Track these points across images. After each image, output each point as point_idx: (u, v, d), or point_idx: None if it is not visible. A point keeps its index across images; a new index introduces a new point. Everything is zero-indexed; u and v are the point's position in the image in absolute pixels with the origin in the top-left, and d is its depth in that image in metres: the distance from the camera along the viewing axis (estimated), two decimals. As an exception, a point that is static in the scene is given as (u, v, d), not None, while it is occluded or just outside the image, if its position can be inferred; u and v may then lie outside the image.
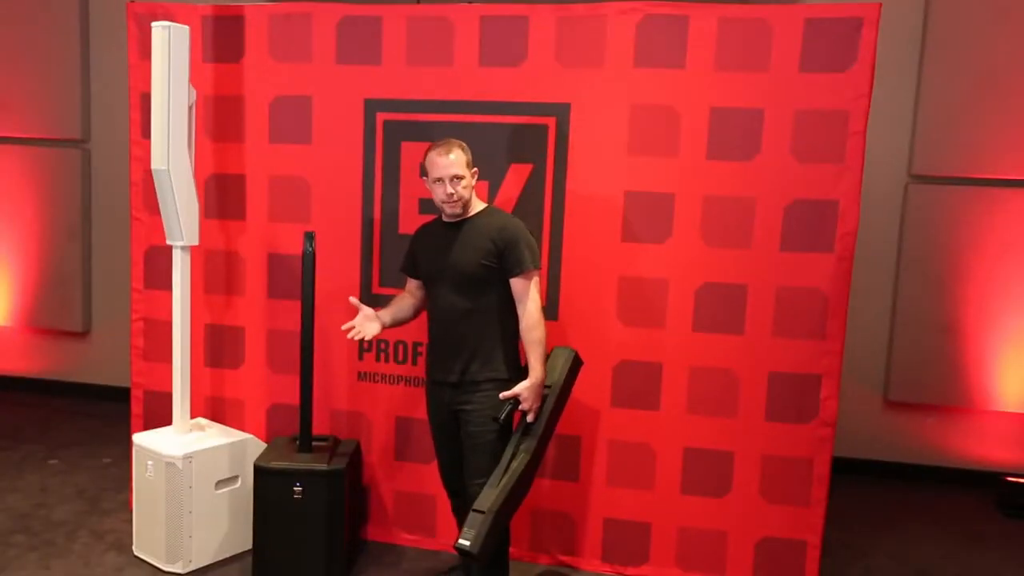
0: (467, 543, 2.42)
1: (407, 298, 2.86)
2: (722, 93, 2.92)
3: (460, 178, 2.59)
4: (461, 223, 2.68)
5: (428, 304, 2.79)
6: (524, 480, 2.59)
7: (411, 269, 2.86)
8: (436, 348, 2.75)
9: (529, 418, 2.61)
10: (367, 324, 2.71)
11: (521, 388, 2.58)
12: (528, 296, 2.61)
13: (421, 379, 3.22)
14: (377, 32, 3.15)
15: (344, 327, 2.72)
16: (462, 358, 2.65)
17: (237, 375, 3.43)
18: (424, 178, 2.69)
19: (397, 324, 2.83)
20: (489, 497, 2.49)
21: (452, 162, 2.58)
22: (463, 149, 2.63)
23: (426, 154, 2.66)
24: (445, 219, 2.71)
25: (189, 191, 3.05)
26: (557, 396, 2.66)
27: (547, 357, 2.70)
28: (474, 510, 2.49)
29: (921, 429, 4.36)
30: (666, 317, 3.04)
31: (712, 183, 2.96)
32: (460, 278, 2.64)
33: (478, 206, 2.71)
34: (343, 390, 3.33)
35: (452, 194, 2.59)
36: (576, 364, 2.75)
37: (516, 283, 2.62)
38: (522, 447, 2.59)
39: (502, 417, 2.59)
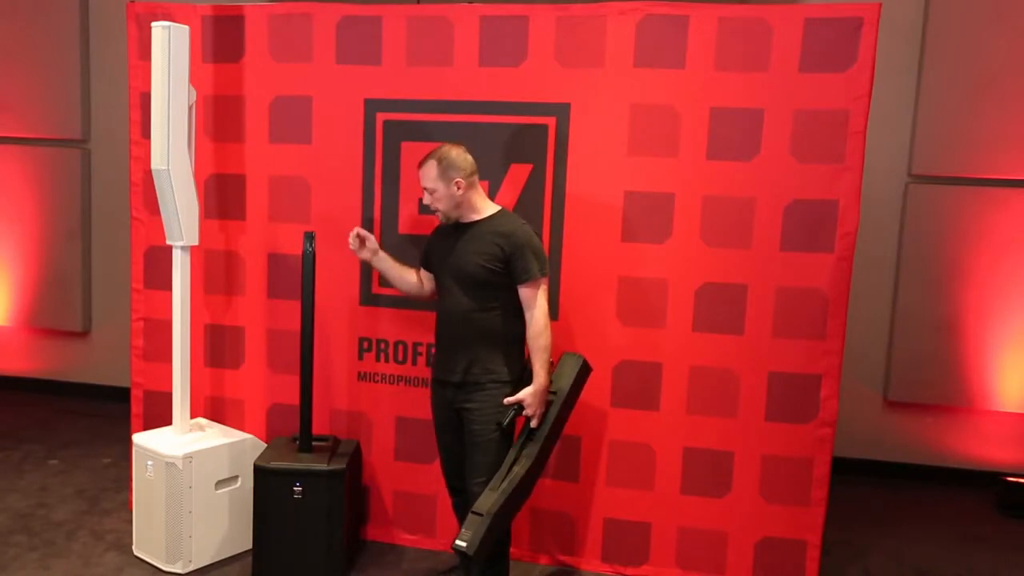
0: (463, 544, 2.44)
1: (416, 272, 2.94)
2: (722, 93, 2.92)
3: (431, 191, 2.67)
4: (471, 225, 2.70)
5: (436, 303, 2.82)
6: (525, 485, 2.59)
7: (424, 262, 2.92)
8: (441, 347, 2.77)
9: (533, 424, 2.62)
10: (366, 247, 2.88)
11: (525, 394, 2.59)
12: (535, 303, 2.63)
13: (421, 379, 3.22)
14: (377, 32, 3.15)
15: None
16: (465, 358, 2.66)
17: (237, 375, 3.43)
18: None
19: (391, 277, 2.93)
20: (488, 500, 2.50)
21: (422, 174, 2.69)
22: (440, 161, 2.64)
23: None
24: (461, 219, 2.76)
25: (189, 191, 3.06)
26: (563, 402, 2.67)
27: (555, 363, 2.72)
28: (473, 512, 2.50)
29: (921, 429, 4.36)
30: (666, 317, 3.04)
31: (712, 183, 2.96)
32: (463, 278, 2.66)
33: (489, 209, 2.72)
34: (343, 390, 3.33)
35: (429, 204, 2.69)
36: (584, 371, 2.76)
37: (524, 291, 2.63)
38: (524, 452, 2.60)
39: (505, 423, 2.60)
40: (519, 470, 2.56)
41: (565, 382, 2.69)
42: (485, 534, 2.46)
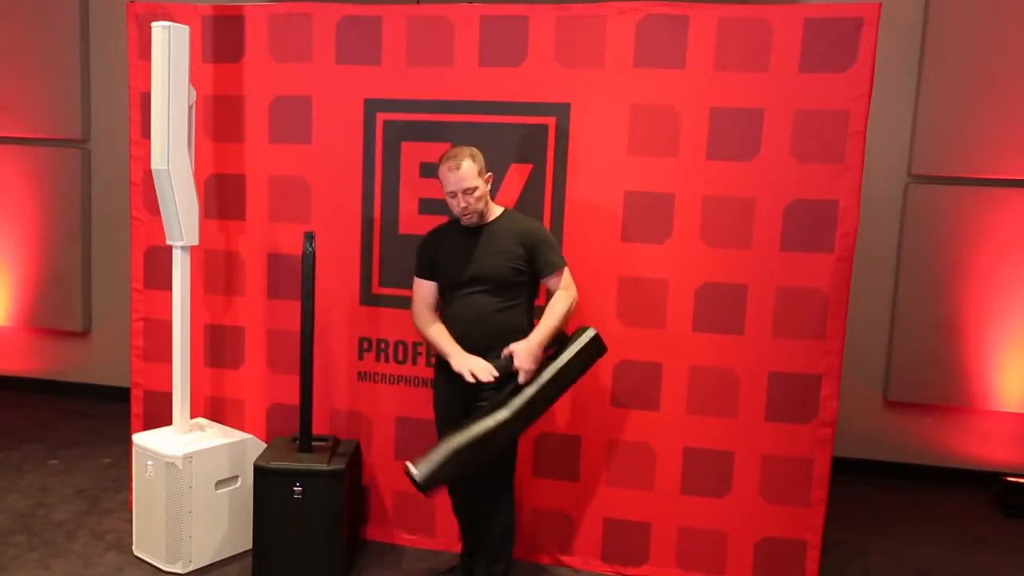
0: (412, 468, 2.46)
1: (432, 312, 2.81)
2: (722, 93, 2.92)
3: (472, 189, 2.62)
4: (482, 228, 2.70)
5: (448, 306, 2.76)
6: (496, 437, 2.54)
7: (430, 272, 2.81)
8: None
9: (520, 378, 2.57)
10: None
11: (516, 346, 2.58)
12: (569, 285, 2.71)
13: (421, 379, 3.22)
14: (377, 32, 3.15)
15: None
16: (487, 358, 2.64)
17: (237, 375, 3.43)
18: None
19: None
20: (454, 436, 2.52)
21: (462, 176, 2.61)
22: (473, 158, 2.64)
23: (439, 166, 2.68)
24: (464, 224, 2.73)
25: (189, 191, 3.05)
26: (560, 368, 2.61)
27: (567, 336, 2.70)
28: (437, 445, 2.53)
29: (921, 429, 4.36)
30: (666, 317, 3.04)
31: (712, 183, 2.96)
32: (489, 282, 2.65)
33: (496, 211, 2.75)
34: (343, 390, 3.33)
35: (466, 207, 2.63)
36: (594, 345, 2.67)
37: (552, 281, 2.70)
38: (507, 404, 2.56)
39: (499, 372, 2.57)
40: (491, 422, 2.52)
41: (567, 350, 2.64)
42: (437, 466, 2.47)
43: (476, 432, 2.51)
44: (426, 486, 2.47)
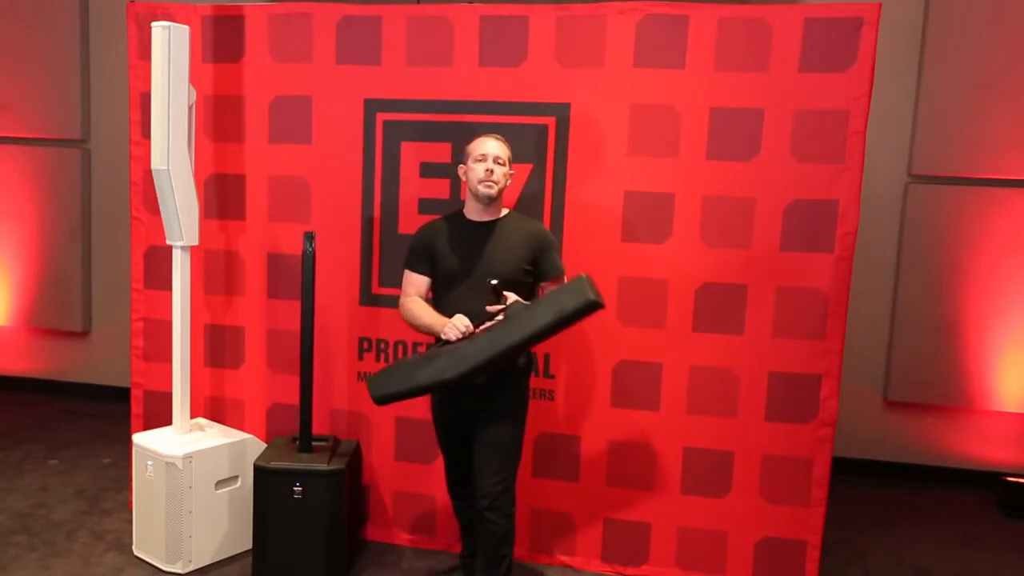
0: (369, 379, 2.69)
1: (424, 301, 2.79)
2: (722, 93, 2.92)
3: (503, 162, 2.65)
4: (490, 224, 2.69)
5: (446, 304, 2.69)
6: (445, 365, 2.54)
7: (426, 266, 2.75)
8: None
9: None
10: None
11: (515, 298, 2.52)
12: None
13: (421, 379, 3.22)
14: (377, 32, 3.15)
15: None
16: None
17: (237, 375, 3.43)
18: (461, 165, 2.72)
19: None
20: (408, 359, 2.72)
21: (499, 146, 2.65)
22: (509, 146, 2.70)
23: (472, 141, 2.69)
24: (470, 216, 2.71)
25: (189, 191, 3.06)
26: (533, 312, 2.48)
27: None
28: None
29: (921, 429, 4.36)
30: (666, 317, 3.04)
31: (712, 183, 2.96)
32: (497, 279, 2.59)
33: (503, 209, 2.75)
34: (343, 390, 3.33)
35: (491, 171, 2.61)
36: (580, 290, 2.40)
37: (550, 286, 2.71)
38: (479, 342, 2.52)
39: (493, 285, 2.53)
40: (446, 349, 2.54)
41: (548, 298, 2.51)
42: (388, 371, 2.68)
43: (417, 361, 2.62)
44: (375, 395, 2.64)
